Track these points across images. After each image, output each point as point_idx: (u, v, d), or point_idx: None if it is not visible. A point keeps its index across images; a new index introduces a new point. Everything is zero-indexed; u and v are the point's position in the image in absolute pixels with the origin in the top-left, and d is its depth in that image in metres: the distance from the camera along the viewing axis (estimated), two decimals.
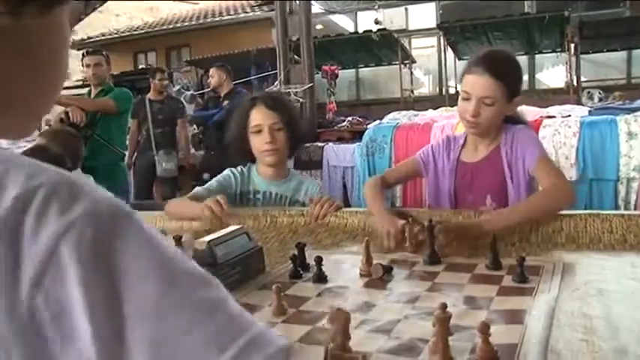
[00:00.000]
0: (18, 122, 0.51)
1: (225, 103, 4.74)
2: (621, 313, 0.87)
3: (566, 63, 7.09)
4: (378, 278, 1.12)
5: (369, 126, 5.01)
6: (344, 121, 6.14)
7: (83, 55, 3.73)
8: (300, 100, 5.70)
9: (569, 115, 4.17)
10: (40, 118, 0.55)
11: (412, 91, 8.22)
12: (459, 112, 1.61)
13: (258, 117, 1.81)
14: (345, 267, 1.25)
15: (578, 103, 5.55)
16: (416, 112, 5.20)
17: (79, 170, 2.77)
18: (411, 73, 8.33)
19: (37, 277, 0.38)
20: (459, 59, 7.60)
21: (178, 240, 1.38)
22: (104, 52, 3.86)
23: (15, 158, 0.44)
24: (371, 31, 7.84)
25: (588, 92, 6.09)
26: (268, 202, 1.85)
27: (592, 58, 7.98)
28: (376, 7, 9.31)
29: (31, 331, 0.38)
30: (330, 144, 5.20)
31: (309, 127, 5.40)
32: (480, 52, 1.61)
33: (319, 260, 1.14)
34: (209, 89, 5.63)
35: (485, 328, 0.72)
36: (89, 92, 3.86)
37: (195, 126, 5.77)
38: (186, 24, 10.77)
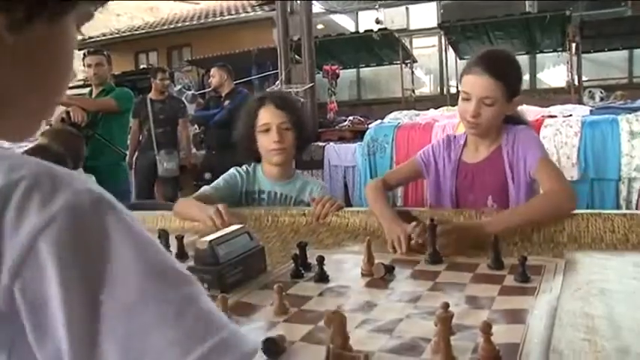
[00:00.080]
0: (19, 124, 0.51)
1: (227, 102, 4.75)
2: (623, 312, 0.87)
3: (568, 62, 7.08)
4: (379, 278, 1.12)
5: (370, 125, 5.02)
6: (345, 120, 6.15)
7: (84, 54, 3.73)
8: (302, 99, 5.70)
9: (571, 115, 4.17)
10: (41, 121, 0.55)
11: (413, 91, 8.23)
12: (459, 112, 1.60)
13: (267, 116, 1.81)
14: (346, 266, 1.25)
15: (580, 102, 5.55)
16: (417, 112, 5.21)
17: (81, 170, 2.77)
18: (412, 72, 8.33)
19: (15, 269, 0.39)
20: (460, 59, 7.60)
21: (180, 240, 1.39)
22: (105, 52, 3.86)
23: None
24: (372, 30, 7.84)
25: (590, 92, 6.09)
26: (273, 202, 1.85)
27: (593, 57, 7.97)
28: (377, 6, 9.31)
29: (8, 318, 0.39)
30: (332, 143, 5.20)
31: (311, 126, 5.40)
32: (479, 52, 1.60)
33: (321, 260, 1.14)
34: (210, 89, 5.63)
35: (487, 328, 0.72)
36: (90, 92, 3.86)
37: (196, 126, 5.77)
38: (187, 24, 10.78)
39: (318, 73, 6.62)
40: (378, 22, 8.85)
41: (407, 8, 9.66)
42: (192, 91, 6.85)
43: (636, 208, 3.56)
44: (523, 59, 7.88)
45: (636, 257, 1.19)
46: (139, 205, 2.67)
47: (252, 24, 9.74)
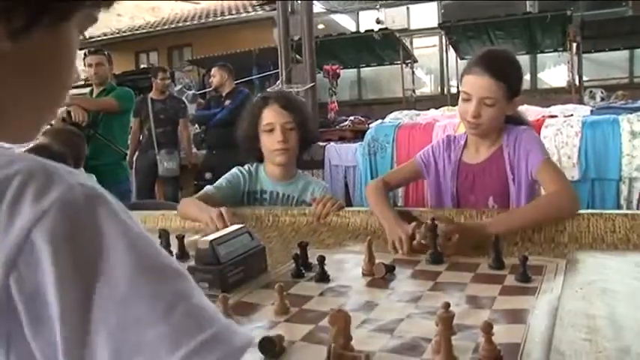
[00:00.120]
0: (19, 129, 0.51)
1: (227, 102, 4.75)
2: (624, 312, 0.87)
3: (568, 62, 7.08)
4: (380, 277, 1.12)
5: (370, 125, 5.02)
6: (346, 120, 6.15)
7: (85, 54, 3.73)
8: (302, 99, 5.70)
9: (572, 115, 4.17)
10: (42, 126, 0.55)
11: (414, 91, 8.23)
12: (459, 112, 1.60)
13: (271, 116, 1.80)
14: (347, 266, 1.25)
15: (581, 102, 5.55)
16: (418, 112, 5.20)
17: (82, 169, 2.77)
18: (413, 72, 8.33)
19: (11, 261, 0.39)
20: (461, 59, 7.60)
21: (181, 240, 1.39)
22: (106, 52, 3.86)
23: None
24: (373, 30, 7.84)
25: (590, 92, 6.09)
26: (275, 202, 1.85)
27: (594, 57, 7.97)
28: (378, 6, 9.31)
29: (5, 311, 0.39)
30: (332, 143, 5.20)
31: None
32: (480, 52, 1.60)
33: (322, 259, 1.14)
34: (211, 89, 5.63)
35: (488, 328, 0.72)
36: (91, 92, 3.86)
37: (197, 125, 5.77)
38: (188, 24, 10.78)
39: (319, 72, 6.61)
40: (378, 22, 8.85)
41: (408, 8, 9.67)
42: (193, 91, 6.86)
43: (637, 208, 3.55)
44: (524, 59, 7.88)
45: (637, 257, 1.19)
46: (140, 204, 2.67)
47: (252, 24, 9.74)
